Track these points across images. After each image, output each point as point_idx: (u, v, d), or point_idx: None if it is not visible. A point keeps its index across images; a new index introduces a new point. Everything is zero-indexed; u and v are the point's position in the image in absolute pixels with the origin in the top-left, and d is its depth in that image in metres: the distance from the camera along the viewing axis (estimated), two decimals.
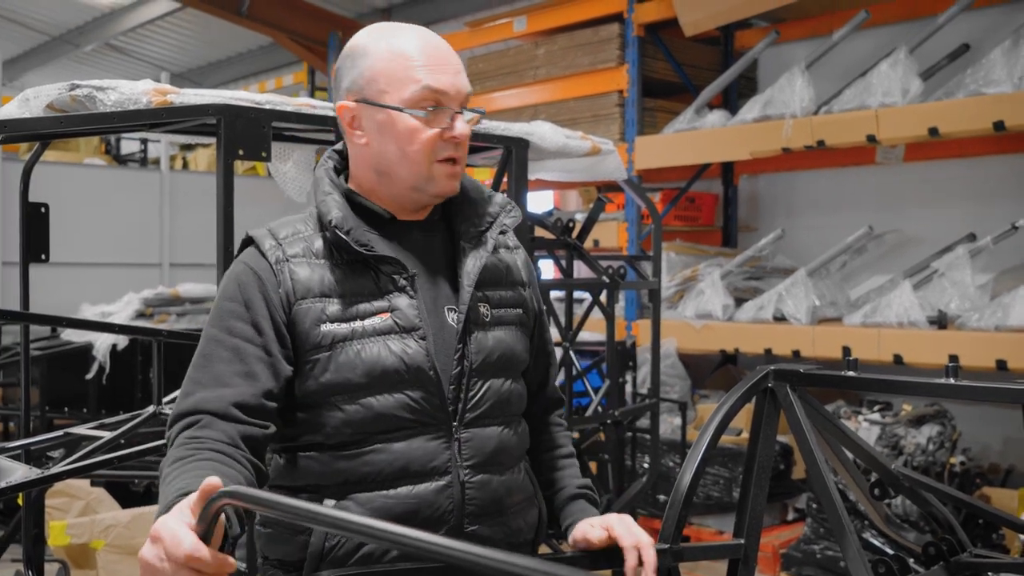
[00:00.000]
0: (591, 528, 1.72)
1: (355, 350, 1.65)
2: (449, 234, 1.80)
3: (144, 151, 10.40)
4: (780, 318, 5.33)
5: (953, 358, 4.72)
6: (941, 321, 4.76)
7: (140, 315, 6.15)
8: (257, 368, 1.63)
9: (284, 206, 9.44)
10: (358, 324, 1.66)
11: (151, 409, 2.87)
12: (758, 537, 1.83)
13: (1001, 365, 4.46)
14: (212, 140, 3.13)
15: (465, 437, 1.69)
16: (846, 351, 4.94)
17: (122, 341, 5.89)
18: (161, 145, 8.65)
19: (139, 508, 5.02)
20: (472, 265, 1.73)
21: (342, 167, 1.82)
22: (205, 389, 1.62)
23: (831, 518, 1.72)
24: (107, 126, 2.67)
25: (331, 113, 2.93)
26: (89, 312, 6.26)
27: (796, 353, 5.18)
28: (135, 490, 4.93)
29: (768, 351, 5.32)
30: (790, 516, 5.46)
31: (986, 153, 5.45)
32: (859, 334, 4.98)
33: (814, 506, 4.69)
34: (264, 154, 2.69)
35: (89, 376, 5.91)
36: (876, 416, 4.74)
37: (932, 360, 4.71)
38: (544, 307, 1.95)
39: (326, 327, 1.66)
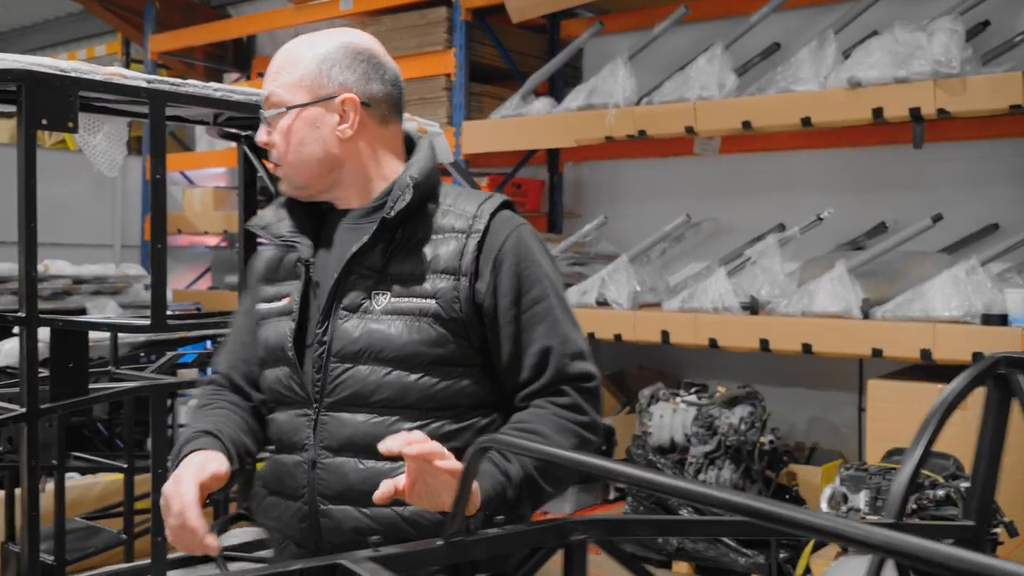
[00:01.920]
0: None
1: (264, 328, 1.89)
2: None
3: None
4: (603, 303, 5.45)
5: (764, 342, 4.98)
6: (753, 307, 4.97)
7: None
8: (248, 339, 1.95)
9: (96, 182, 9.06)
10: (267, 306, 1.91)
11: None
12: (989, 521, 1.89)
13: (807, 348, 4.71)
14: (12, 108, 2.95)
15: (323, 419, 1.77)
16: (665, 335, 5.11)
17: None
18: None
19: None
20: (343, 253, 1.80)
21: None
22: (222, 353, 2.02)
23: None
24: None
25: (144, 84, 2.81)
26: None
27: (618, 337, 5.32)
28: None
29: (591, 335, 5.42)
30: (611, 495, 5.61)
31: (794, 147, 5.73)
32: (677, 319, 5.15)
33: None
34: (71, 124, 2.56)
35: None
36: (693, 398, 4.91)
37: (745, 344, 4.92)
38: (524, 296, 1.79)
39: (259, 306, 1.93)
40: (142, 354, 4.45)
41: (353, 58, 1.81)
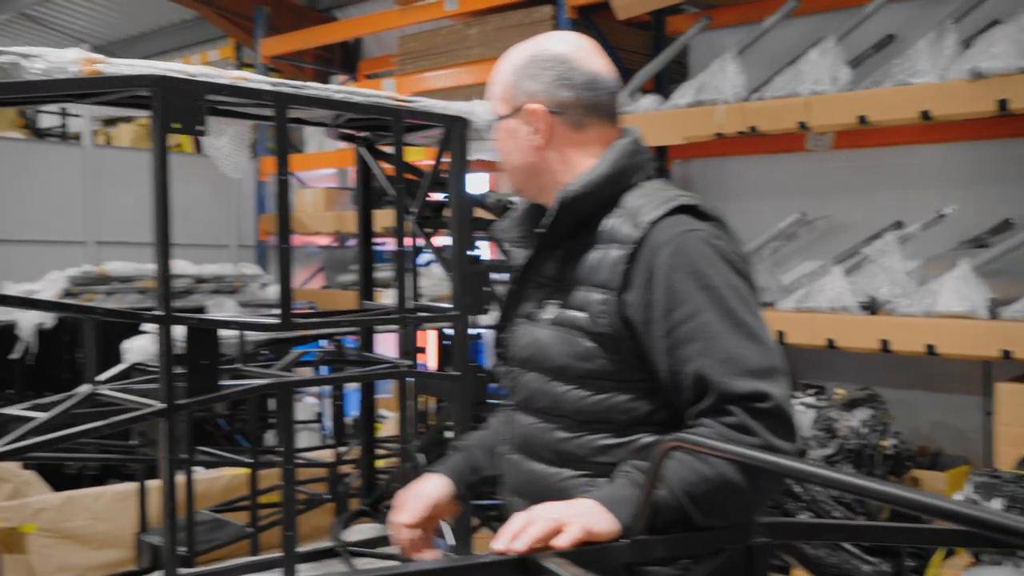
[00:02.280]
0: None
1: None
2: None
3: (64, 125, 10.09)
4: None
5: (884, 343, 4.85)
6: (872, 306, 4.85)
7: (66, 294, 5.97)
8: None
9: (212, 184, 9.32)
10: None
11: (86, 389, 2.78)
12: None
13: (931, 350, 4.57)
14: (139, 113, 3.05)
15: (512, 417, 1.91)
16: (780, 335, 5.01)
17: (48, 320, 5.72)
18: (83, 120, 8.40)
19: (71, 491, 4.89)
20: (524, 261, 1.89)
21: None
22: None
23: None
24: (34, 95, 2.58)
25: (268, 87, 2.86)
26: (13, 291, 6.05)
27: None
28: (68, 472, 4.80)
29: None
30: None
31: (912, 142, 5.55)
32: (793, 319, 5.05)
33: None
34: (199, 128, 2.62)
35: (14, 356, 5.73)
36: (811, 399, 4.81)
37: (864, 345, 4.80)
38: (676, 310, 1.67)
39: None
40: (262, 352, 4.56)
41: (541, 67, 1.84)
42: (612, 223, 1.76)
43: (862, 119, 4.86)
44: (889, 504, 1.06)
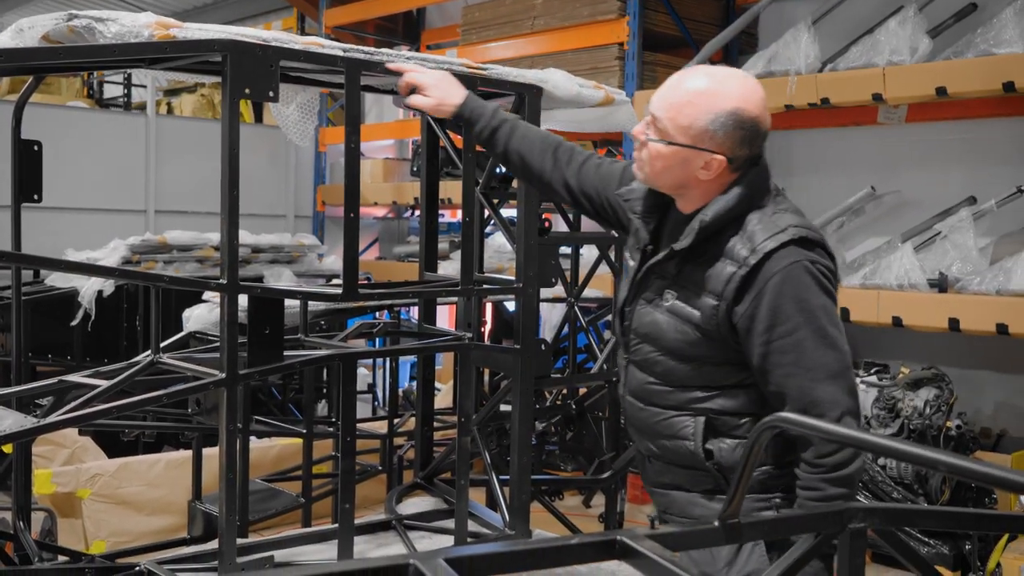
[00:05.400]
0: None
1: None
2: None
3: (128, 95, 10.18)
4: None
5: (953, 322, 4.72)
6: (941, 284, 4.72)
7: (126, 262, 6.02)
8: (603, 182, 2.53)
9: (270, 154, 9.29)
10: (628, 261, 2.42)
11: (148, 357, 2.77)
12: None
13: (1002, 329, 4.44)
14: (208, 80, 3.02)
15: (628, 368, 2.33)
16: (844, 312, 4.90)
17: (108, 287, 5.77)
18: (148, 89, 8.45)
19: (125, 458, 4.95)
20: (652, 260, 2.23)
21: None
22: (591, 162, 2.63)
23: None
24: (108, 59, 2.56)
25: (340, 53, 2.82)
26: (75, 257, 6.12)
27: None
28: (125, 439, 4.85)
29: None
30: None
31: (990, 115, 5.38)
32: (858, 295, 4.94)
33: None
34: (271, 94, 2.58)
35: (74, 323, 5.80)
36: (873, 379, 4.70)
37: (932, 323, 4.68)
38: (777, 327, 2.06)
39: (626, 254, 2.48)
40: (322, 322, 4.55)
41: (737, 126, 2.08)
42: (732, 242, 2.10)
43: (941, 91, 4.71)
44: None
